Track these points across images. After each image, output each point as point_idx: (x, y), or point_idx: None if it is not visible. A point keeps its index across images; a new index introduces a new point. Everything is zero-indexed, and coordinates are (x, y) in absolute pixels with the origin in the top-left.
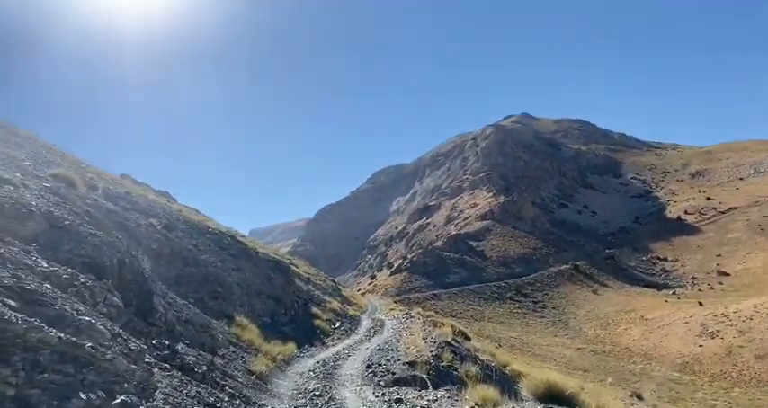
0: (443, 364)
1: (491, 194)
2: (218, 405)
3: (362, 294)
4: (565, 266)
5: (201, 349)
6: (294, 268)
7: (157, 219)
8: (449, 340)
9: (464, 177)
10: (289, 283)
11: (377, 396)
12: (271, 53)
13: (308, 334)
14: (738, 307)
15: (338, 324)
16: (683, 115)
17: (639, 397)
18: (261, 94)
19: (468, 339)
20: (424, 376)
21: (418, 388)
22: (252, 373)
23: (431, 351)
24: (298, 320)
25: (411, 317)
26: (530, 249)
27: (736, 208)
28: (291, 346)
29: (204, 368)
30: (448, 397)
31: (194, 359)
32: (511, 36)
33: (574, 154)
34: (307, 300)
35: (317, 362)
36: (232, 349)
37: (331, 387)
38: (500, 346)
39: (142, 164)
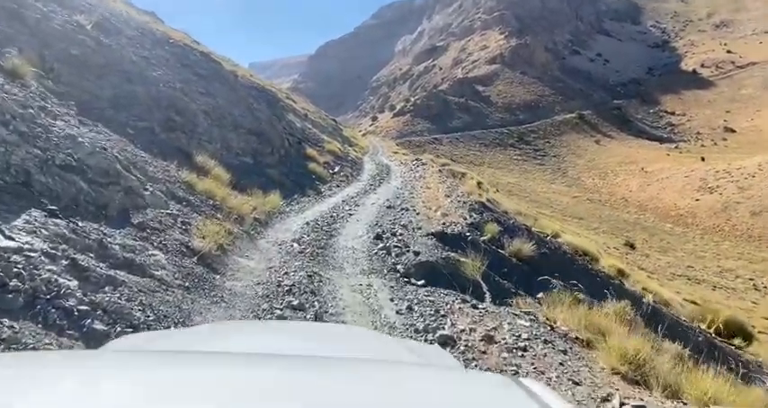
0: (485, 238)
1: (503, 36)
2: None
3: (363, 135)
4: (570, 115)
5: (96, 218)
6: (287, 100)
7: (87, 16)
8: (483, 200)
9: (476, 16)
10: (278, 117)
11: (399, 313)
12: None
13: (300, 180)
14: (743, 164)
15: (337, 169)
16: None
17: (632, 246)
18: None
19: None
20: (477, 276)
21: (467, 298)
22: (191, 252)
23: (463, 218)
24: (288, 162)
25: (423, 164)
26: (536, 96)
27: (755, 64)
28: (274, 198)
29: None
30: (546, 342)
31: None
32: None
33: None
34: (301, 139)
35: (307, 223)
36: (172, 208)
37: (320, 282)
38: (498, 191)
39: None
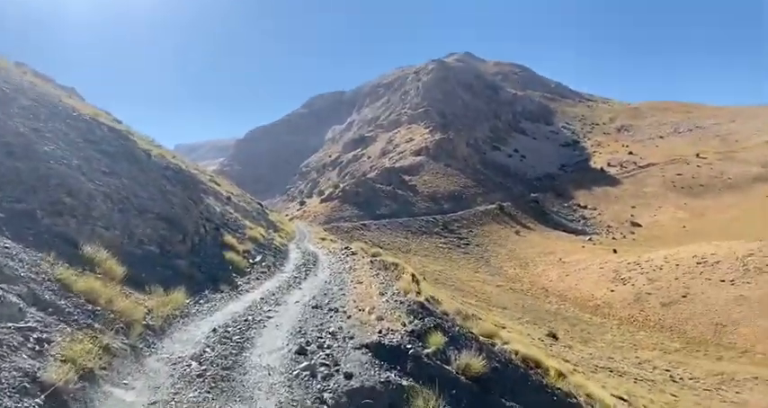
0: (429, 350)
1: (428, 130)
2: None
3: (290, 219)
4: (491, 206)
5: None
6: (210, 183)
7: None
8: (421, 300)
9: (403, 110)
10: (194, 201)
11: None
12: None
13: (213, 272)
14: (650, 256)
15: (259, 258)
16: (615, 71)
17: (555, 337)
18: (201, 5)
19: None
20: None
21: None
22: (39, 387)
23: (402, 323)
24: (202, 251)
25: (353, 254)
26: (460, 187)
27: (654, 164)
28: (178, 296)
29: None
30: None
31: None
32: None
33: (511, 98)
34: (220, 225)
35: (214, 330)
36: (29, 319)
37: None
38: (425, 279)
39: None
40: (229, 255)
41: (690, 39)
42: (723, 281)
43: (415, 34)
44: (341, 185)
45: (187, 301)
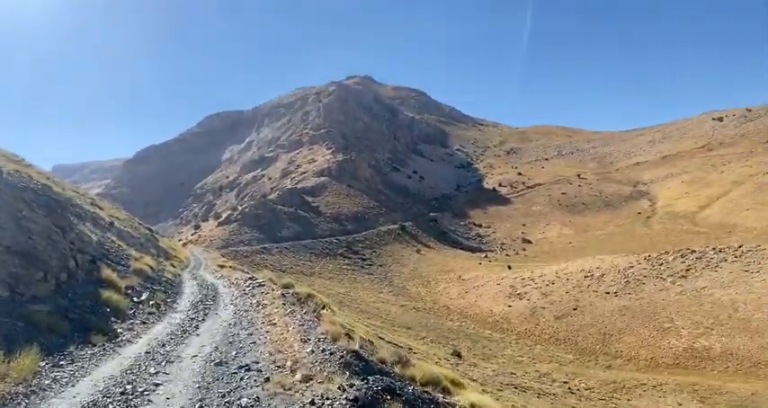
0: None
1: (330, 151)
2: None
3: (184, 244)
4: (393, 226)
5: None
6: (90, 207)
7: None
8: (356, 348)
9: (304, 131)
10: (62, 229)
11: None
12: None
13: (85, 318)
14: (543, 272)
15: (145, 296)
16: (504, 96)
17: (459, 355)
18: (90, 10)
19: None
20: None
21: None
22: None
23: (339, 388)
24: (72, 291)
25: (261, 285)
26: (362, 208)
27: (540, 184)
28: (27, 359)
29: None
30: None
31: None
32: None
33: (409, 121)
34: (97, 257)
35: None
36: None
37: None
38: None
39: None
40: (107, 294)
41: (573, 68)
42: (608, 293)
43: (314, 56)
44: (239, 207)
45: (42, 364)
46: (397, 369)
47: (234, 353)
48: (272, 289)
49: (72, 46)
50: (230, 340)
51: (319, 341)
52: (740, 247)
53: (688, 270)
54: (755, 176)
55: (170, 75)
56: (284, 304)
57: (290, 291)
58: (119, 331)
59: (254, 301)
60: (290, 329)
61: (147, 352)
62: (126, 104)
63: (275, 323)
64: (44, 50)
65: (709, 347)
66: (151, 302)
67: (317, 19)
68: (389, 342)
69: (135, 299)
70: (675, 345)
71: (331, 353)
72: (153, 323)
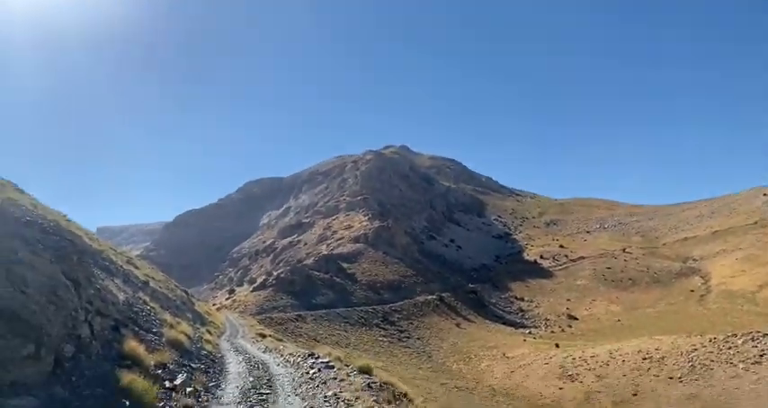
0: None
1: (366, 218)
2: None
3: (218, 309)
4: (431, 296)
5: None
6: (124, 264)
7: None
8: None
9: (341, 198)
10: (75, 281)
11: None
12: (152, 47)
13: None
14: (595, 352)
15: (180, 379)
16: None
17: None
18: (138, 82)
19: None
20: None
21: None
22: None
23: None
24: (78, 372)
25: (328, 366)
26: (399, 276)
27: (584, 258)
28: None
29: None
30: None
31: None
32: (390, 75)
33: (444, 190)
34: (121, 322)
35: None
36: None
37: None
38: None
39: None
40: (130, 378)
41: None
42: (671, 378)
43: (352, 125)
44: (275, 272)
45: None
46: None
47: None
48: (347, 375)
49: (122, 115)
50: None
51: None
52: None
53: (762, 355)
54: None
55: (212, 143)
56: (376, 401)
57: (376, 381)
58: None
59: (330, 393)
60: None
61: None
62: (170, 168)
63: None
64: (92, 113)
65: None
66: (188, 388)
67: (356, 93)
68: None
69: (167, 384)
70: None
71: None
72: None
